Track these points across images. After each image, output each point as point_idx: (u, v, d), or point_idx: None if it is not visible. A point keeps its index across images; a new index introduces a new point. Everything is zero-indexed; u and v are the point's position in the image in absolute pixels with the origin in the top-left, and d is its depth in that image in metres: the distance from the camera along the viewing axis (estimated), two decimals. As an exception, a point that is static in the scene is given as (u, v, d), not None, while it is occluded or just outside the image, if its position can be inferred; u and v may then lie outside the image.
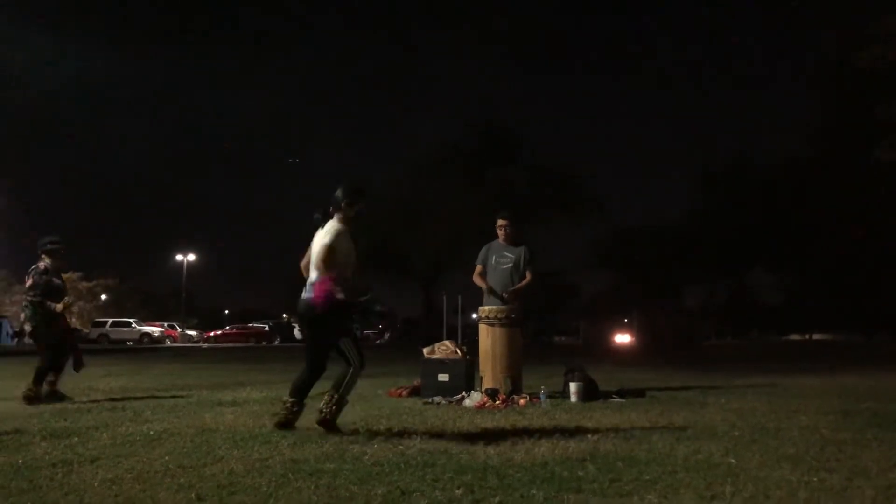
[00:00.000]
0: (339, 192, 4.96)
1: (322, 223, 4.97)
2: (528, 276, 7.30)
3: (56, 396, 7.02)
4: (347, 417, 5.61)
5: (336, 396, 4.78)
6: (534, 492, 3.05)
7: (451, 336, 8.73)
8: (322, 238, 4.84)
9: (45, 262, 7.22)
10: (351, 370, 4.88)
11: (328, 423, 4.70)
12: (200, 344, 44.29)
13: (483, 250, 7.56)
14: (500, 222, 7.45)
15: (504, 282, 7.26)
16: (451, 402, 6.63)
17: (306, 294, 4.83)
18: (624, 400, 6.90)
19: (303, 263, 5.03)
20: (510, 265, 7.29)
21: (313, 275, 4.83)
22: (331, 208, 4.97)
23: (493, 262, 7.35)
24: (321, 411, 4.72)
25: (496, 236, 7.48)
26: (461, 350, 7.37)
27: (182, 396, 7.65)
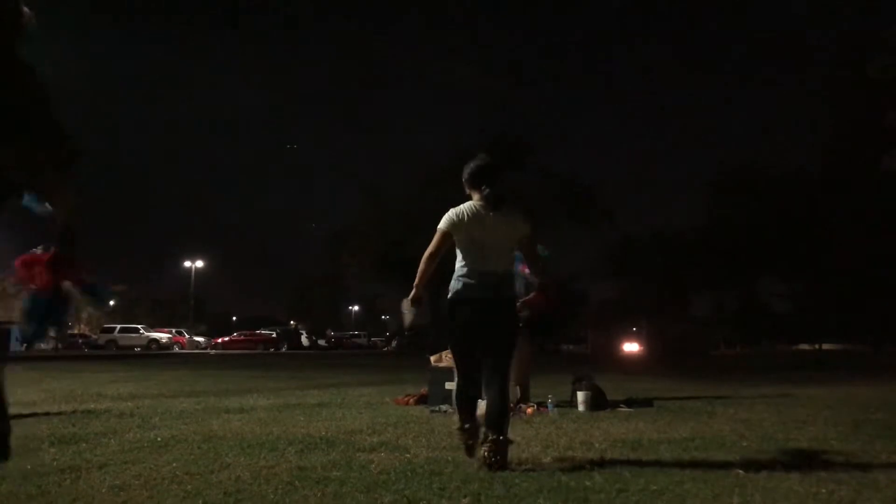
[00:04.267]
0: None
1: (495, 205, 4.11)
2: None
3: None
4: (354, 425, 5.61)
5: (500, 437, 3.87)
6: (540, 501, 3.05)
7: None
8: (523, 227, 4.15)
9: None
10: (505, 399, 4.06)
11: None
12: (208, 350, 44.39)
13: None
14: None
15: (519, 291, 7.23)
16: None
17: (502, 289, 4.08)
18: (632, 409, 6.88)
19: (428, 252, 4.17)
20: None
21: (489, 266, 4.04)
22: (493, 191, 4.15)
23: None
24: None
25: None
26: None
27: (189, 403, 7.65)
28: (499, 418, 3.90)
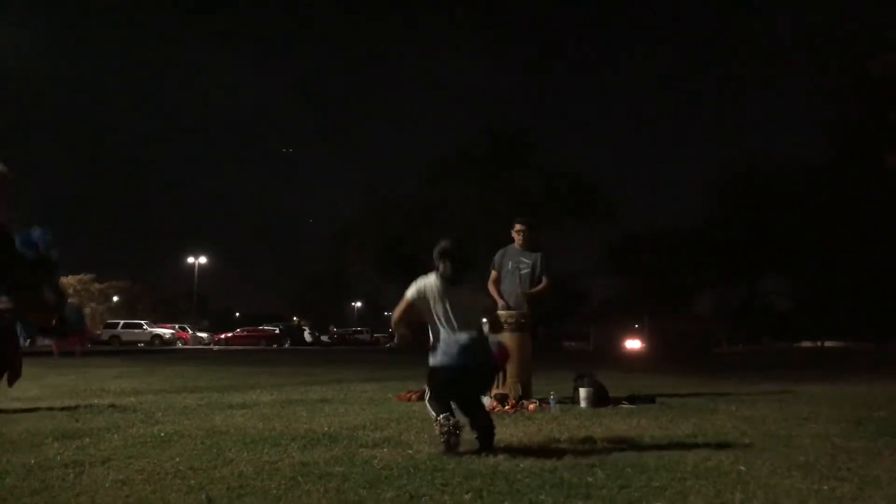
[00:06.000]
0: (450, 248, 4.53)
1: (452, 281, 4.47)
2: (545, 281, 7.27)
3: None
4: (356, 421, 5.62)
5: None
6: (543, 497, 3.05)
7: None
8: (480, 297, 4.87)
9: None
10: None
11: None
12: (211, 346, 44.45)
13: (498, 255, 7.51)
14: (517, 227, 7.42)
15: (521, 287, 7.24)
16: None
17: (477, 354, 4.39)
18: (634, 406, 6.87)
19: (394, 316, 4.62)
20: (528, 270, 7.27)
21: (469, 327, 4.42)
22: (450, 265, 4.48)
23: (509, 266, 7.32)
24: None
25: (510, 240, 7.46)
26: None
27: (192, 398, 7.67)
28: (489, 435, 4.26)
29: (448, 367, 4.33)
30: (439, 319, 4.45)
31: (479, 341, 4.48)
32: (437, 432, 4.15)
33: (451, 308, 4.43)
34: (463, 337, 4.38)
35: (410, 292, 4.50)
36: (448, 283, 4.48)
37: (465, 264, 4.53)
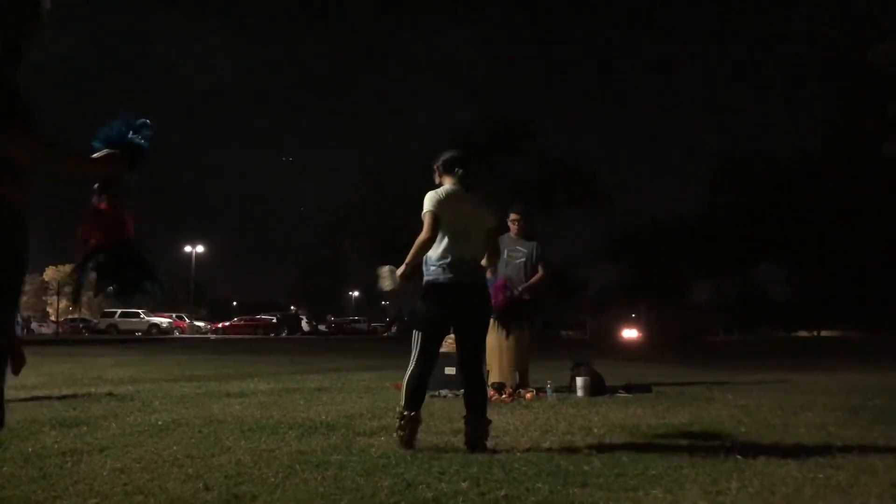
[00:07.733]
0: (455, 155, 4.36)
1: (469, 185, 4.27)
2: (541, 271, 7.28)
3: None
4: (354, 409, 5.63)
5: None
6: (539, 485, 3.06)
7: None
8: (490, 219, 4.28)
9: None
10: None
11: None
12: (209, 335, 44.45)
13: None
14: (513, 216, 7.43)
15: (517, 276, 7.24)
16: (457, 395, 6.62)
17: (481, 274, 4.21)
18: (630, 395, 6.89)
19: (425, 237, 4.06)
20: (523, 259, 7.28)
21: (468, 251, 4.11)
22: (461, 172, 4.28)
23: (504, 256, 7.33)
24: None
25: (506, 229, 7.46)
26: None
27: (190, 387, 7.68)
28: (483, 401, 4.06)
29: (448, 284, 4.04)
30: (446, 233, 4.10)
31: (478, 262, 4.21)
32: (398, 428, 4.00)
33: (461, 221, 4.13)
34: (467, 253, 4.09)
35: (431, 203, 4.09)
36: (463, 188, 4.22)
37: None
